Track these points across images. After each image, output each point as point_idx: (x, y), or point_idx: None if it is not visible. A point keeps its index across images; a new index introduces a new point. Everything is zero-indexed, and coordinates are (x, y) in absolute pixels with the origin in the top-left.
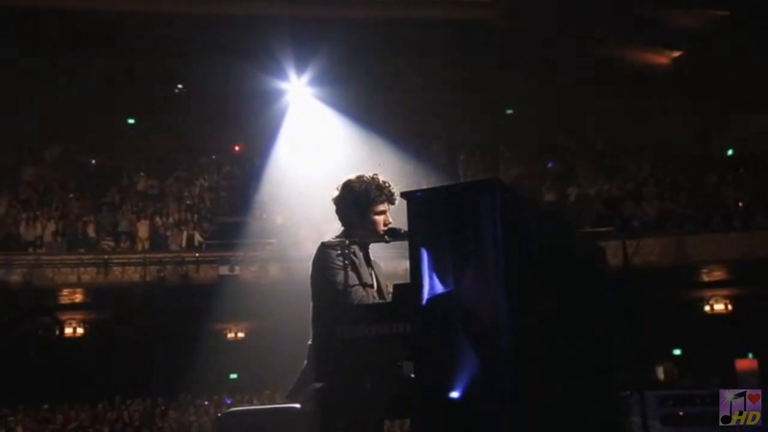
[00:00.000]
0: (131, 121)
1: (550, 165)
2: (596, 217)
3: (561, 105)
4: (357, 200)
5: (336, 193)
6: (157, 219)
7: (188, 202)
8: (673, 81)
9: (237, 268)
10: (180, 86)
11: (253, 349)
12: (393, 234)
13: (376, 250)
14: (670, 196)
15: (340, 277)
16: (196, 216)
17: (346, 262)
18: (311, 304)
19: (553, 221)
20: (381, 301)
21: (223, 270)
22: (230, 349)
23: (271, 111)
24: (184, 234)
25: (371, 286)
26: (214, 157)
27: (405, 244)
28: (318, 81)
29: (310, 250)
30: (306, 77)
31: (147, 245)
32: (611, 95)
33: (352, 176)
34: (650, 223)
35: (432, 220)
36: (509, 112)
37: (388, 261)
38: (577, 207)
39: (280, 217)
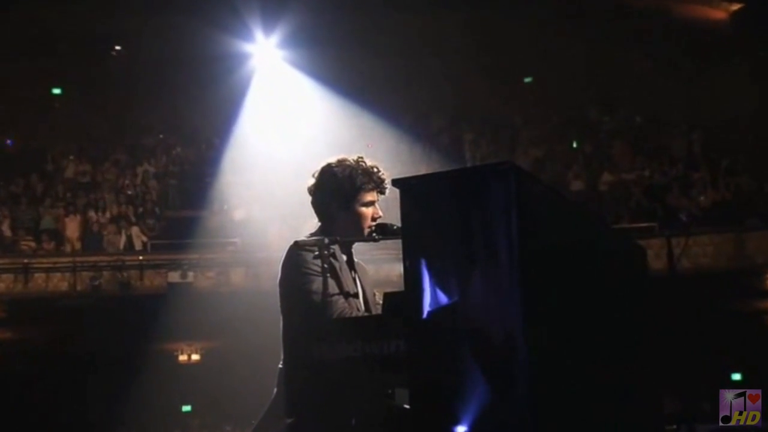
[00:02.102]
0: (57, 91)
1: (576, 145)
2: (635, 210)
3: (591, 71)
4: (339, 189)
5: (312, 180)
6: (91, 214)
7: (129, 192)
8: (731, 40)
9: (190, 274)
10: (118, 48)
11: (210, 374)
12: (383, 231)
13: (362, 251)
14: (726, 184)
15: (317, 284)
16: (139, 210)
17: (325, 265)
18: (281, 317)
19: (581, 215)
20: (368, 314)
21: (173, 276)
22: (182, 375)
23: (232, 79)
24: (124, 232)
25: (355, 295)
26: (161, 136)
27: (398, 243)
28: (290, 42)
29: (281, 250)
30: (275, 37)
31: (77, 246)
32: (654, 59)
33: (333, 159)
34: (702, 216)
35: (431, 213)
36: (527, 80)
37: (378, 264)
38: (612, 197)
39: (244, 210)
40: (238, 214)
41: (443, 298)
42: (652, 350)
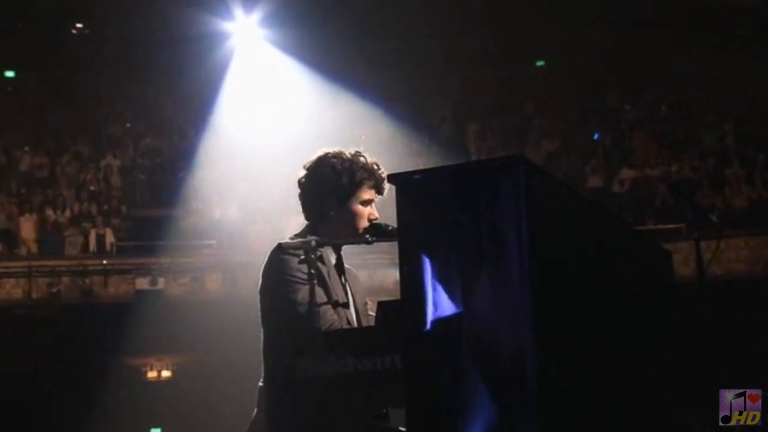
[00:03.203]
0: (10, 73)
1: (596, 137)
2: (660, 210)
3: (611, 54)
4: (337, 182)
5: (304, 172)
6: (48, 212)
7: (92, 188)
8: (766, 19)
9: (161, 280)
10: (80, 26)
11: (182, 392)
12: (377, 232)
13: (352, 255)
14: (763, 181)
15: (303, 292)
16: (103, 208)
17: (312, 271)
18: (262, 330)
19: (599, 215)
20: (359, 327)
21: (142, 283)
22: (151, 393)
23: (209, 62)
24: (93, 234)
25: (345, 305)
26: (128, 125)
27: (394, 246)
28: (274, 20)
29: (262, 254)
30: (257, 15)
31: (33, 249)
32: (680, 40)
33: (329, 150)
34: (736, 217)
35: (432, 212)
36: (540, 64)
37: (371, 270)
38: (634, 195)
39: (221, 209)
40: (215, 213)
41: (445, 308)
42: (678, 367)
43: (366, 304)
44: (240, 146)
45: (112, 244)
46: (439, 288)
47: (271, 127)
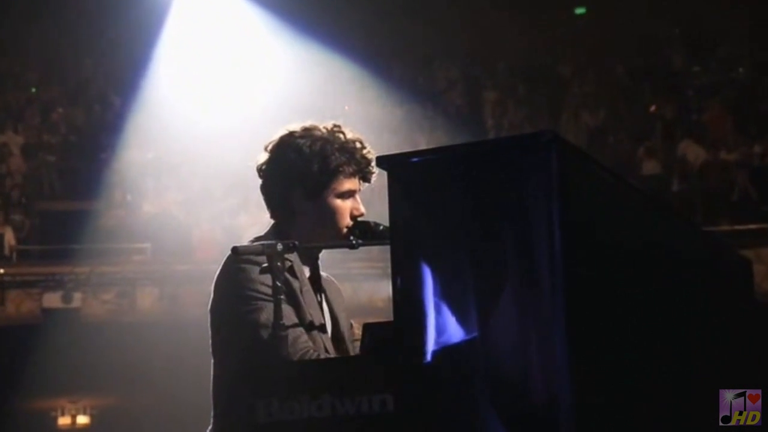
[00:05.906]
0: None
1: (652, 108)
2: (738, 205)
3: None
4: (306, 170)
5: (265, 156)
6: None
7: None
8: None
9: (77, 296)
10: None
11: None
12: (365, 233)
13: (331, 263)
14: None
15: (267, 311)
16: (0, 200)
17: (278, 283)
18: (212, 361)
19: (657, 212)
20: (340, 356)
21: (51, 299)
22: None
23: (141, 6)
24: None
25: (322, 327)
26: (34, 90)
27: (386, 251)
28: None
29: (212, 262)
30: None
31: None
32: None
33: (296, 127)
34: None
35: (435, 207)
36: (579, 11)
37: (357, 283)
38: (705, 185)
39: (157, 202)
40: (149, 208)
41: (452, 332)
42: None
43: (352, 326)
44: (182, 120)
45: (11, 248)
46: (444, 307)
47: (224, 95)
